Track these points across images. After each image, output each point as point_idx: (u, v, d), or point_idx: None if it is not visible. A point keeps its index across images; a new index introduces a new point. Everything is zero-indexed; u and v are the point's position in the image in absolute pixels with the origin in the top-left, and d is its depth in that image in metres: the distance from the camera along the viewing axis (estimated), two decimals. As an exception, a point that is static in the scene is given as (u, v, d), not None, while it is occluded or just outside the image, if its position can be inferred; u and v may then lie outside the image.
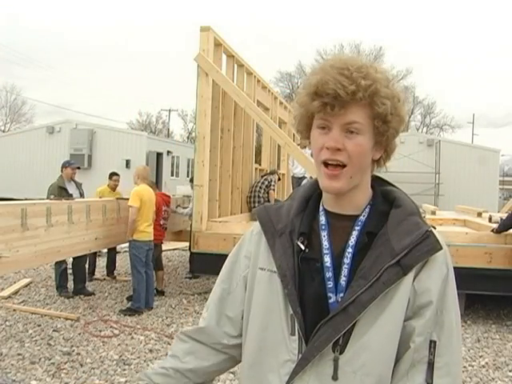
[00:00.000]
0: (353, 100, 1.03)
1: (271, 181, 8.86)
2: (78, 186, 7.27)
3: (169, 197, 7.70)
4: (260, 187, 8.73)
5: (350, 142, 1.05)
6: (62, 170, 7.18)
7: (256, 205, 8.61)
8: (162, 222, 7.08)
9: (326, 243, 1.11)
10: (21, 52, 63.08)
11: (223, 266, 1.28)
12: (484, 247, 6.09)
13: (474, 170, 20.95)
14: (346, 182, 1.07)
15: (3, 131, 39.88)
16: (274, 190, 8.87)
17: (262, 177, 9.11)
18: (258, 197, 8.66)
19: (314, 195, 1.20)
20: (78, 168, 7.47)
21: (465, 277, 5.92)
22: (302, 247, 1.12)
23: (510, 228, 6.14)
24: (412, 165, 20.48)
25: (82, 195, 7.20)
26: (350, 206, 1.13)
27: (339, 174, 1.06)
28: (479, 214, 9.02)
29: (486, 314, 6.61)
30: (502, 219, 6.67)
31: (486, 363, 4.85)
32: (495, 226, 6.41)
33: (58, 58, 67.29)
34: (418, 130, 40.88)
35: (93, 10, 70.61)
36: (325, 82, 1.03)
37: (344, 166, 1.06)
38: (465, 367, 4.71)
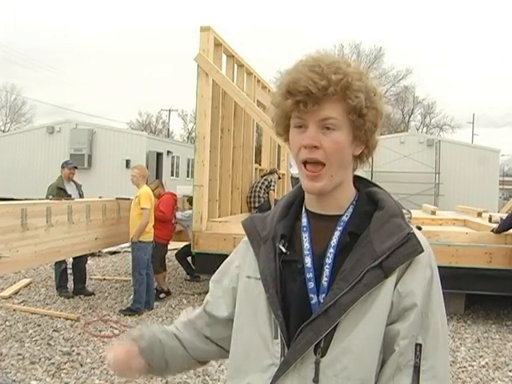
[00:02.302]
0: (325, 95, 1.02)
1: (271, 181, 8.84)
2: (78, 186, 7.24)
3: (176, 196, 7.71)
4: (260, 187, 8.72)
5: (327, 139, 1.05)
6: (61, 171, 7.18)
7: (256, 205, 8.61)
8: (173, 221, 7.12)
9: (306, 244, 1.11)
10: (21, 52, 63.20)
11: (217, 271, 1.32)
12: (484, 247, 6.08)
13: (474, 169, 20.93)
14: (327, 181, 1.07)
15: (3, 131, 39.89)
16: (273, 190, 8.86)
17: (262, 177, 9.10)
18: (258, 197, 8.65)
19: (297, 199, 1.20)
20: (76, 168, 7.39)
21: (465, 277, 5.93)
22: (283, 250, 1.12)
23: (510, 228, 6.14)
24: (412, 165, 20.47)
25: (81, 196, 7.16)
26: (332, 205, 1.12)
27: (320, 174, 1.06)
28: (479, 214, 9.01)
29: (486, 314, 6.60)
30: (502, 219, 6.67)
31: (486, 363, 4.84)
32: (495, 225, 6.41)
33: (58, 59, 67.42)
34: (418, 130, 40.89)
35: (93, 10, 70.71)
36: (296, 80, 1.03)
37: (323, 164, 1.06)
38: (465, 367, 4.71)
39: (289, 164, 10.83)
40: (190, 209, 7.21)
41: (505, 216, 6.98)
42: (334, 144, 1.05)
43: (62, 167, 7.14)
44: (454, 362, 4.79)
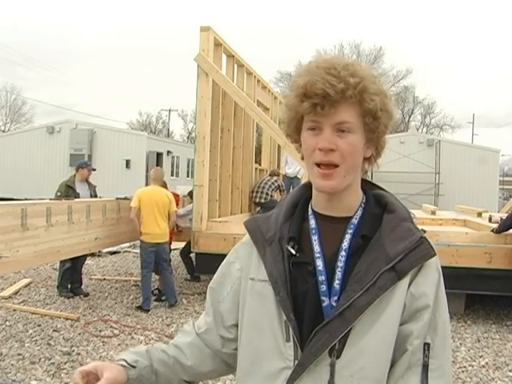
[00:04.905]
0: (342, 98, 1.02)
1: (278, 183, 9.02)
2: (91, 187, 7.28)
3: (178, 195, 7.69)
4: (270, 186, 8.79)
5: (343, 142, 1.05)
6: (77, 170, 7.21)
7: (262, 201, 8.68)
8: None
9: (317, 247, 1.10)
10: (23, 53, 63.28)
11: (215, 275, 1.27)
12: (484, 247, 6.08)
13: (474, 170, 20.91)
14: (340, 181, 1.07)
15: (3, 131, 39.87)
16: (284, 191, 9.04)
17: (271, 176, 9.21)
18: (266, 194, 8.71)
19: (301, 199, 1.19)
20: (94, 170, 7.59)
21: (465, 277, 5.94)
22: (293, 252, 1.11)
23: (510, 228, 6.14)
24: (412, 165, 20.46)
25: (92, 197, 7.19)
26: (341, 207, 1.12)
27: (333, 173, 1.06)
28: (479, 214, 9.02)
29: (486, 314, 6.60)
30: (502, 219, 6.67)
31: (486, 363, 4.85)
32: (495, 225, 6.41)
33: (59, 59, 67.36)
34: (418, 130, 40.82)
35: (94, 10, 70.75)
36: (313, 83, 1.02)
37: (337, 165, 1.06)
38: (465, 367, 4.71)
39: (284, 162, 10.87)
40: (191, 203, 7.23)
41: (505, 216, 6.99)
42: (350, 146, 1.05)
43: (82, 167, 7.21)
44: (453, 362, 4.79)
